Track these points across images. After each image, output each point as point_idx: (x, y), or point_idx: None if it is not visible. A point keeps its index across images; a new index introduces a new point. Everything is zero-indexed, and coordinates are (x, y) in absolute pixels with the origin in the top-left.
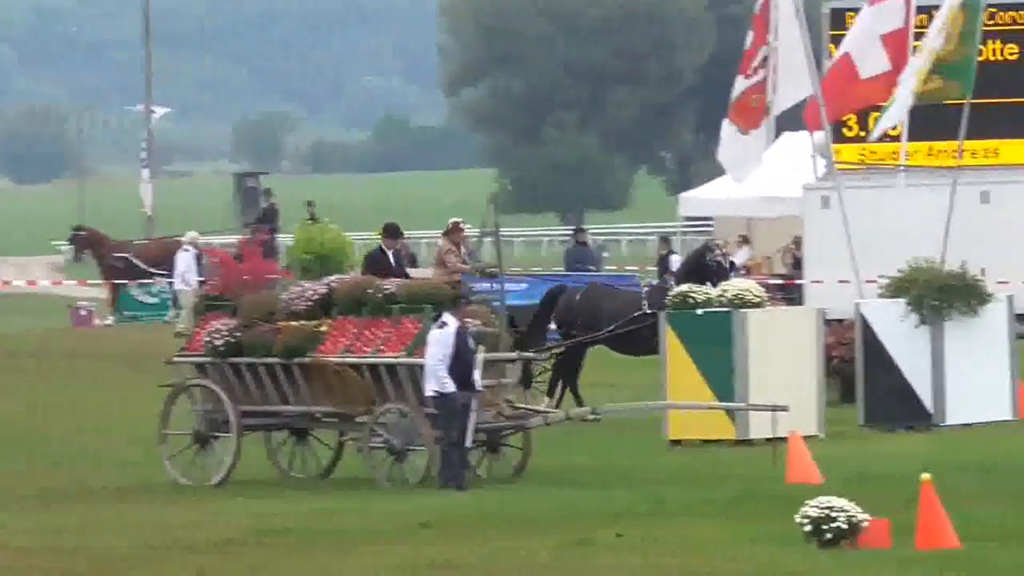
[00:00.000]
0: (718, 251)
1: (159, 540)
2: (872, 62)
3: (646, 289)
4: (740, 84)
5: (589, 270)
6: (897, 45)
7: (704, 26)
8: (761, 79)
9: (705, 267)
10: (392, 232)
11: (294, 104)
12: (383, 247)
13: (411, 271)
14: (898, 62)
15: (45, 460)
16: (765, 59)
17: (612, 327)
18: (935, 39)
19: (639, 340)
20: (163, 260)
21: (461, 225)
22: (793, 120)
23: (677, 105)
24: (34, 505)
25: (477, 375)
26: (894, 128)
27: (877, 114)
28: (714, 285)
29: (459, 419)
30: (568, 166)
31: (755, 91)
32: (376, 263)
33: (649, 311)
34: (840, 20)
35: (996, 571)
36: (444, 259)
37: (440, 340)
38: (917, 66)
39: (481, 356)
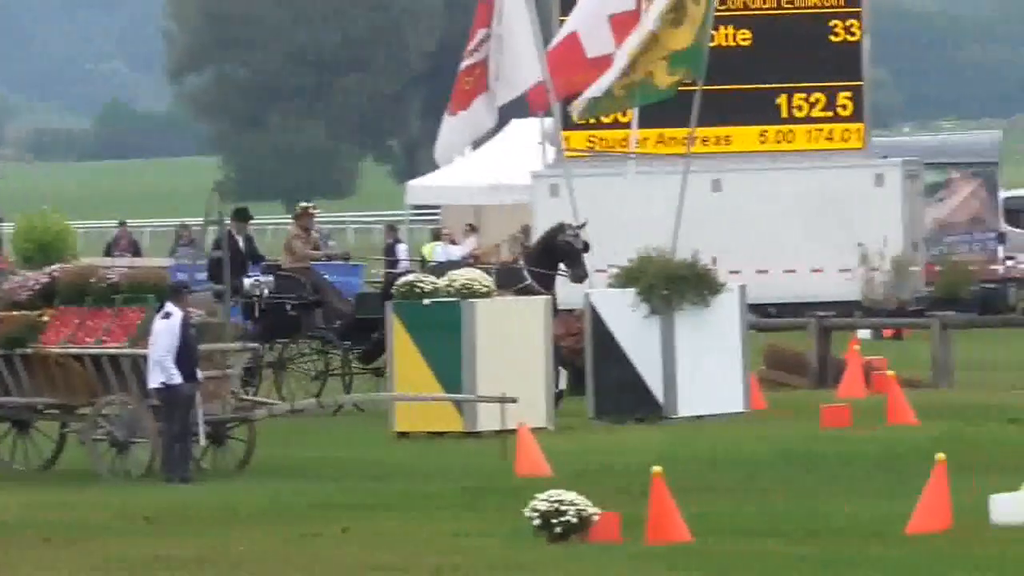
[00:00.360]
0: (570, 231)
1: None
2: (599, 43)
3: (495, 268)
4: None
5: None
6: (624, 28)
7: (432, 12)
8: (476, 62)
9: (556, 247)
10: (242, 215)
11: (15, 90)
12: (232, 231)
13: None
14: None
15: None
16: (483, 42)
17: None
18: (654, 22)
19: None
20: None
21: (311, 210)
22: (522, 107)
23: (404, 92)
24: None
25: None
26: (624, 115)
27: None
28: (568, 266)
29: (183, 411)
30: (294, 154)
31: (468, 73)
32: (226, 248)
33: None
34: (570, 5)
35: (726, 564)
36: (291, 245)
37: (167, 331)
38: (630, 49)
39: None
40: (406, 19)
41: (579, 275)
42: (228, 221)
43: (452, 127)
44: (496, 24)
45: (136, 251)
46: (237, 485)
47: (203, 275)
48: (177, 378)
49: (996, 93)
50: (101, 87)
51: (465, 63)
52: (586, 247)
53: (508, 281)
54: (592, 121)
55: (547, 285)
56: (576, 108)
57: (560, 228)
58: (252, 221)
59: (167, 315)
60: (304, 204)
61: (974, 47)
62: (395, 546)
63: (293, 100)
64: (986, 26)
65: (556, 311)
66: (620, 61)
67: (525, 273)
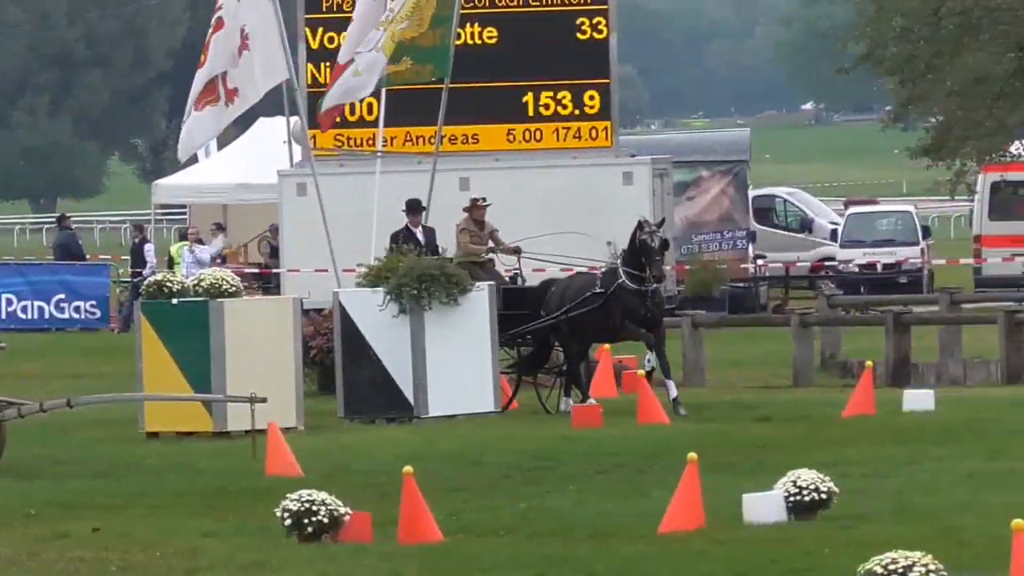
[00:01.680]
0: (648, 227)
1: None
2: (351, 44)
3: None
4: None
5: (75, 256)
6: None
7: (175, 9)
8: (218, 60)
9: (638, 245)
10: (414, 208)
11: None
12: (409, 225)
13: None
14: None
15: None
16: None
17: (564, 308)
18: (397, 23)
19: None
20: None
21: (480, 203)
22: (269, 105)
23: (148, 90)
24: None
25: None
26: (370, 113)
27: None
28: (648, 264)
29: None
30: (39, 152)
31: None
32: (404, 242)
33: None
34: (316, 3)
35: (477, 564)
36: (458, 238)
37: None
38: (376, 43)
39: None
40: (151, 16)
41: (656, 275)
42: None
43: (197, 121)
44: (231, 20)
45: None
46: None
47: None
48: None
49: (741, 92)
50: None
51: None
52: (665, 245)
53: (611, 282)
54: (339, 119)
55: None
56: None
57: (639, 226)
58: None
59: None
60: (475, 197)
61: (717, 46)
62: (146, 546)
63: (37, 97)
64: (727, 25)
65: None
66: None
67: (621, 272)
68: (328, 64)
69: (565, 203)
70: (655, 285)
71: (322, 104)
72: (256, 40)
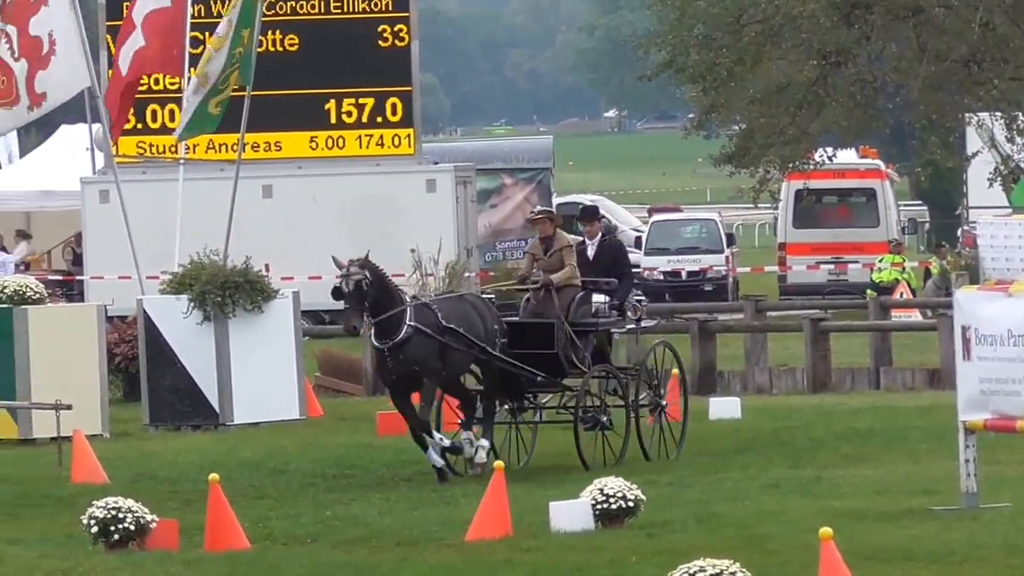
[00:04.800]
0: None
1: None
2: (130, 41)
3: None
4: None
5: None
6: (155, 23)
7: None
8: (22, 61)
9: None
10: (587, 216)
11: None
12: (585, 236)
13: None
14: (151, 39)
15: None
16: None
17: None
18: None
19: None
20: None
21: (531, 214)
22: (71, 111)
23: None
24: None
25: None
26: (172, 120)
27: (156, 107)
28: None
29: None
30: None
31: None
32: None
33: None
34: (117, 10)
35: (283, 572)
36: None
37: None
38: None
39: None
40: None
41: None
42: None
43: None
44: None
45: None
46: None
47: None
48: None
49: (543, 100)
50: None
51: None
52: (365, 285)
53: None
54: (140, 126)
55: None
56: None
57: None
58: None
59: None
60: (532, 210)
61: (517, 54)
62: None
63: None
64: (526, 33)
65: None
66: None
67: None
68: None
69: (368, 210)
70: (390, 342)
71: (185, 131)
72: (61, 46)
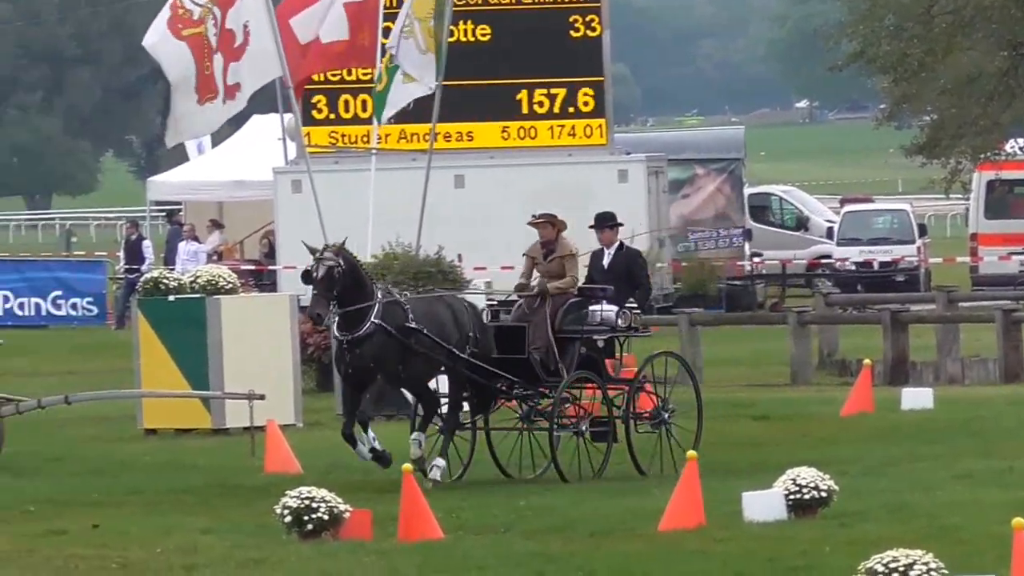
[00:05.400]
0: (318, 251)
1: None
2: (333, 28)
3: None
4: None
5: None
6: (358, 17)
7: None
8: (218, 53)
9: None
10: (600, 222)
11: None
12: (601, 242)
13: None
14: (356, 34)
15: None
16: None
17: None
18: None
19: None
20: None
21: (533, 218)
22: (263, 102)
23: (140, 86)
24: None
25: None
26: (364, 110)
27: (348, 97)
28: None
29: None
30: (31, 149)
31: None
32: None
33: None
34: None
35: (475, 562)
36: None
37: None
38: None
39: None
40: (140, 13)
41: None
42: None
43: (199, 114)
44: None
45: None
46: None
47: None
48: None
49: (733, 90)
50: None
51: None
52: (337, 272)
53: None
54: (333, 116)
55: None
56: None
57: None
58: None
59: None
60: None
61: (708, 44)
62: (145, 543)
63: (28, 95)
64: (718, 23)
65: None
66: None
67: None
68: None
69: (560, 201)
70: (350, 335)
71: (382, 115)
72: (254, 37)
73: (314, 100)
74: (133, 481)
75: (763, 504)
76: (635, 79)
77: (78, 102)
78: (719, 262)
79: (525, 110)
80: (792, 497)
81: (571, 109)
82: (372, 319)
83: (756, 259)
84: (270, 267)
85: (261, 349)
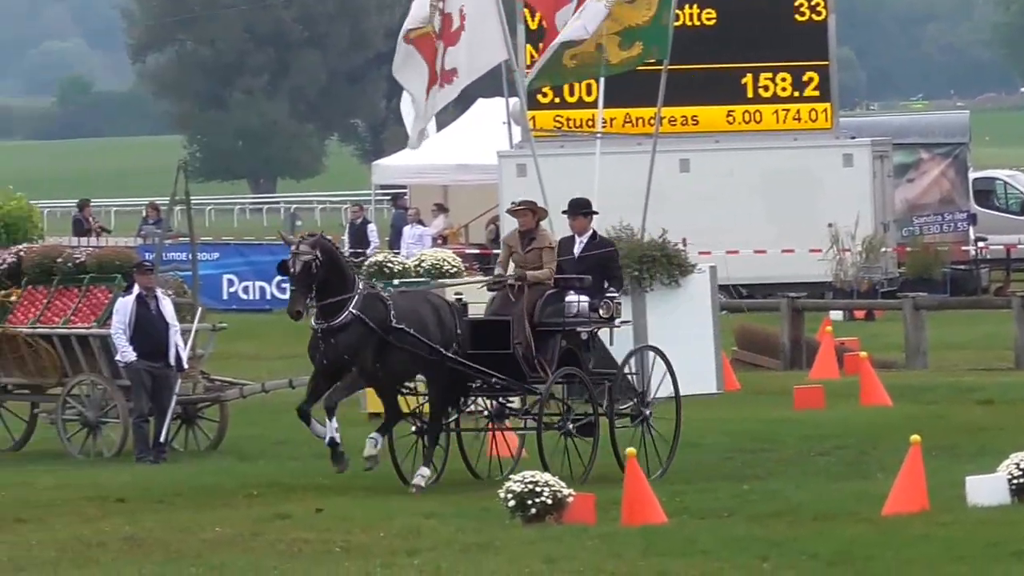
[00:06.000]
0: (296, 244)
1: None
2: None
3: None
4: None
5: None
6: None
7: None
8: (440, 41)
9: None
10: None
11: None
12: (574, 230)
13: None
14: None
15: None
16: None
17: None
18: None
19: None
20: None
21: (512, 206)
22: (488, 86)
23: (366, 71)
24: None
25: (180, 348)
26: (589, 94)
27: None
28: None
29: (142, 390)
30: (257, 133)
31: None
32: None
33: None
34: None
35: (699, 546)
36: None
37: (121, 308)
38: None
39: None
40: None
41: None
42: None
43: (426, 108)
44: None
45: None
46: (209, 466)
47: (174, 254)
48: (130, 355)
49: (958, 74)
50: (58, 66)
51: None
52: (316, 265)
53: None
54: (558, 100)
55: None
56: (528, 77)
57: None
58: (218, 200)
59: (127, 292)
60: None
61: (933, 28)
62: (368, 527)
63: (254, 78)
64: (943, 7)
65: None
66: (571, 31)
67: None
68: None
69: (785, 185)
70: (325, 324)
71: (534, 76)
72: (474, 21)
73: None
74: (356, 465)
75: (987, 488)
76: (860, 63)
77: (303, 86)
78: (944, 247)
79: (750, 94)
80: (1016, 481)
81: (796, 93)
82: (350, 309)
83: (981, 244)
84: (495, 251)
85: None
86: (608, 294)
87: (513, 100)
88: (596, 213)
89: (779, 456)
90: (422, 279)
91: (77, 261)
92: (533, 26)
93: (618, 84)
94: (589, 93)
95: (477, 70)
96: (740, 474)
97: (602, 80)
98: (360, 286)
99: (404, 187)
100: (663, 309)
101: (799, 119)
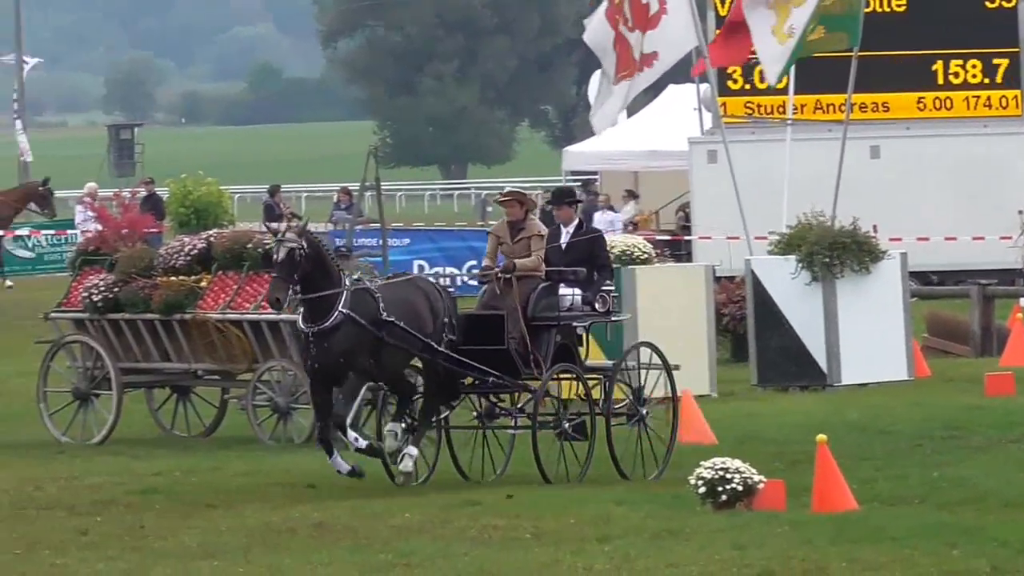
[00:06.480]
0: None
1: (40, 499)
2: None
3: None
4: (606, 33)
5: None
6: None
7: None
8: (631, 29)
9: None
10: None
11: (160, 54)
12: (558, 220)
13: None
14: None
15: None
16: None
17: None
18: None
19: None
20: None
21: (499, 197)
22: (679, 73)
23: (555, 57)
24: None
25: None
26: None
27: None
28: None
29: None
30: (447, 119)
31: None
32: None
33: None
34: None
35: (889, 533)
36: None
37: None
38: (803, 18)
39: None
40: None
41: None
42: None
43: (617, 94)
44: None
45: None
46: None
47: (365, 240)
48: None
49: None
50: (248, 51)
51: (623, 31)
52: (300, 255)
53: None
54: (748, 87)
55: None
56: (771, 74)
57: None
58: (409, 185)
59: None
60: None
61: None
62: (558, 513)
63: (444, 64)
64: None
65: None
66: (796, 19)
67: None
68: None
69: (975, 173)
70: (316, 327)
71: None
72: (672, 5)
73: (729, 71)
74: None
75: None
76: None
77: (493, 72)
78: None
79: (940, 80)
80: None
81: (986, 80)
82: (339, 308)
83: None
84: (686, 237)
85: (676, 319)
86: (604, 287)
87: (704, 86)
88: (581, 202)
89: (969, 443)
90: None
91: (267, 247)
92: (723, 12)
93: (809, 71)
94: (778, 80)
95: (674, 56)
96: (930, 461)
97: (792, 67)
98: (347, 282)
99: (595, 173)
100: (853, 296)
101: (989, 106)
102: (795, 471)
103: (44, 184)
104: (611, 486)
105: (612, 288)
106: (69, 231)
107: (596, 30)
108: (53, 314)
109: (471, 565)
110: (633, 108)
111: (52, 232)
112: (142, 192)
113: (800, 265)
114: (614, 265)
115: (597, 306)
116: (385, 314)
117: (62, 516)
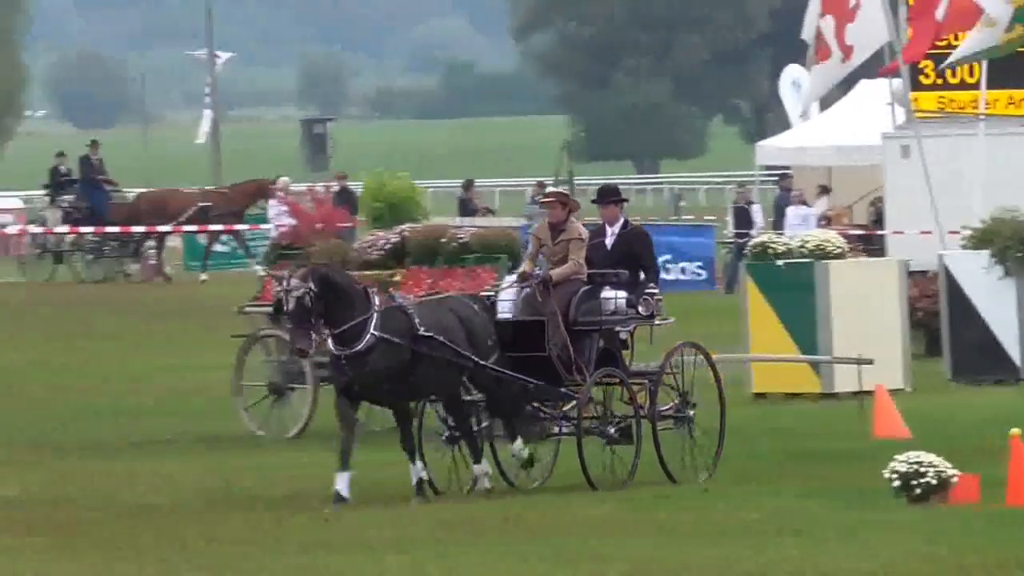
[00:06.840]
0: (284, 280)
1: (237, 492)
2: None
3: None
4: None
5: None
6: None
7: None
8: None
9: None
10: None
11: (356, 49)
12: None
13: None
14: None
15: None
16: None
17: None
18: None
19: None
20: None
21: (543, 197)
22: (870, 67)
23: (749, 52)
24: (80, 455)
25: None
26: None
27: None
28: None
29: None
30: (639, 114)
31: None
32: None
33: None
34: None
35: None
36: None
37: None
38: (999, 11)
39: None
40: None
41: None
42: None
43: (814, 75)
44: None
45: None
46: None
47: None
48: None
49: None
50: (439, 46)
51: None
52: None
53: None
54: (940, 82)
55: None
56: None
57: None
58: (602, 180)
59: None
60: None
61: None
62: (753, 506)
63: (637, 59)
64: None
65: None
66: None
67: None
68: None
69: None
70: (347, 350)
71: (951, 58)
72: (864, 2)
73: (921, 65)
74: (743, 445)
75: None
76: None
77: (687, 66)
78: None
79: None
80: None
81: None
82: (371, 331)
83: None
84: (878, 232)
85: (869, 313)
86: (648, 289)
87: (896, 81)
88: (626, 200)
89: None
90: (805, 259)
91: (461, 241)
92: (911, 2)
93: (1001, 65)
94: (972, 74)
95: (867, 51)
96: None
97: (985, 62)
98: (376, 302)
99: (788, 168)
100: None
101: None
102: (989, 465)
103: (274, 182)
104: (802, 480)
105: (656, 291)
106: (262, 225)
107: (808, 24)
108: (248, 308)
109: (665, 556)
110: (825, 103)
111: (247, 227)
112: (335, 186)
113: (993, 260)
114: (808, 260)
115: (640, 309)
116: (423, 329)
117: (258, 509)
